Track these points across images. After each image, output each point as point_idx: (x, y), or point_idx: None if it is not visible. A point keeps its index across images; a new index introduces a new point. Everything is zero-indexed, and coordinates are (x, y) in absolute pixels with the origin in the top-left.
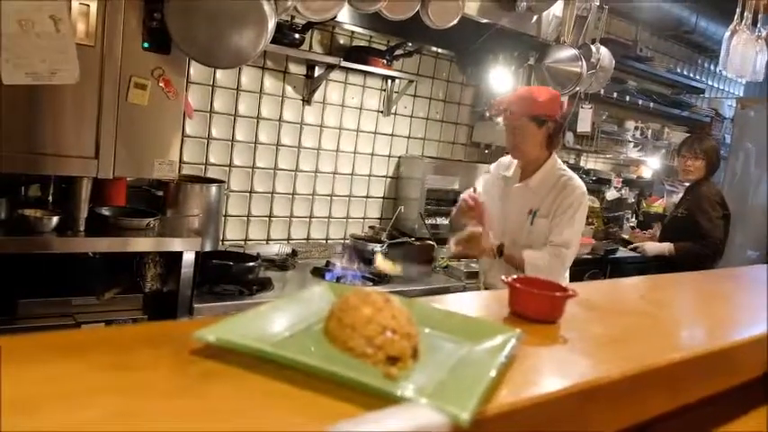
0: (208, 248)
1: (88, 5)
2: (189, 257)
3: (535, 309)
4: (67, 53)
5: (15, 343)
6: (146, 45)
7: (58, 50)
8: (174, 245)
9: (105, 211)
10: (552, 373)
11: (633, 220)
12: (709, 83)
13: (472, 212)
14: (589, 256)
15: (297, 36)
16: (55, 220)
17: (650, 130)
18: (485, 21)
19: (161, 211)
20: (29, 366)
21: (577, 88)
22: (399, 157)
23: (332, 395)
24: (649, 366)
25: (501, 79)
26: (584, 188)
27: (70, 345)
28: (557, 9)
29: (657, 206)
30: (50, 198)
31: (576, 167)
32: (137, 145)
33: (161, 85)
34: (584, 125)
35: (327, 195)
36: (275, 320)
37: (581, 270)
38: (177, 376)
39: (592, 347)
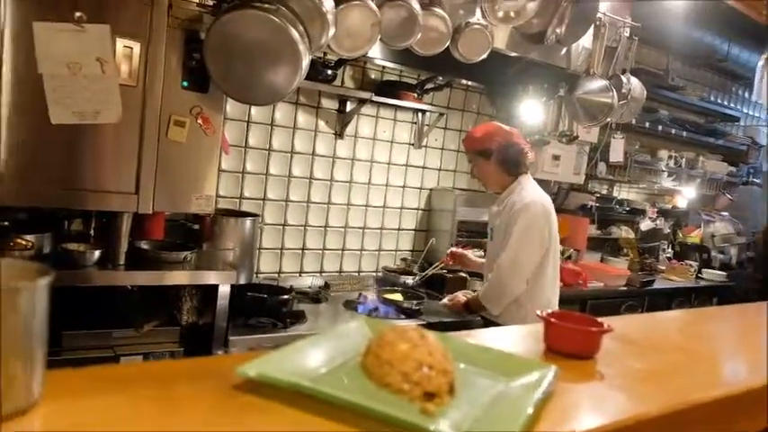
0: (242, 281)
1: (131, 48)
2: (224, 290)
3: (571, 344)
4: (112, 93)
5: (62, 376)
6: (185, 84)
7: (103, 91)
8: (210, 278)
9: (144, 245)
10: (590, 409)
11: (669, 250)
12: (744, 110)
13: (457, 260)
14: (625, 288)
15: (329, 72)
16: (97, 253)
17: (684, 159)
18: (514, 54)
19: (197, 245)
20: (75, 398)
21: (609, 119)
22: (431, 190)
23: (369, 430)
24: (690, 403)
25: (532, 111)
26: (532, 205)
27: (116, 378)
28: (586, 41)
29: (694, 236)
30: (92, 232)
31: (608, 198)
32: (175, 180)
33: (199, 122)
34: (616, 155)
35: (359, 228)
36: (313, 355)
37: (617, 302)
38: (218, 409)
39: (630, 383)
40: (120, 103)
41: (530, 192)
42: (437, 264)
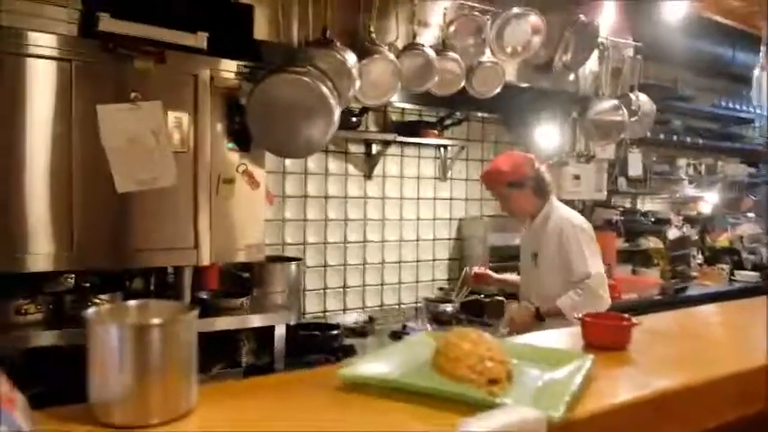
0: (293, 322)
1: (181, 118)
2: (280, 331)
3: (605, 338)
4: (166, 161)
5: (205, 390)
6: (230, 145)
7: (158, 159)
8: (267, 320)
9: (204, 295)
10: (624, 387)
11: (700, 256)
12: (758, 111)
13: (480, 280)
14: (659, 297)
15: (354, 119)
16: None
17: (703, 166)
18: (525, 85)
19: (248, 291)
20: (219, 405)
21: (622, 135)
22: (460, 219)
23: (447, 410)
24: (712, 378)
25: (548, 135)
26: (578, 220)
27: (243, 388)
28: (592, 64)
29: (723, 240)
30: (152, 288)
31: (633, 211)
32: (227, 233)
33: (245, 178)
34: (634, 169)
35: (396, 262)
36: (392, 361)
37: (653, 312)
38: (327, 404)
39: (659, 366)
40: (175, 167)
41: (569, 211)
42: (466, 288)
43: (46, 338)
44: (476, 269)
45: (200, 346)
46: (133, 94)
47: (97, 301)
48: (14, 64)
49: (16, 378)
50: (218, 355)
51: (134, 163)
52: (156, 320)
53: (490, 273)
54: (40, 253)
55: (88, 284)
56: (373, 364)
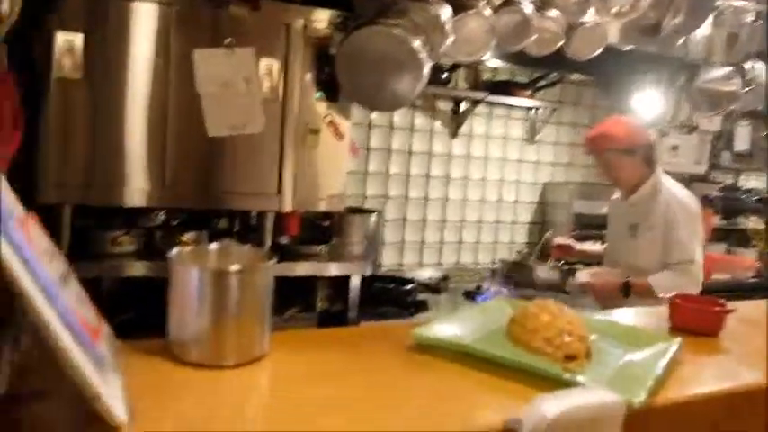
0: (368, 273)
1: (272, 65)
2: (356, 280)
3: (696, 322)
4: (256, 107)
5: (277, 337)
6: (317, 95)
7: (248, 105)
8: (344, 269)
9: (284, 240)
10: (714, 376)
11: None
12: None
13: (563, 252)
14: (755, 280)
15: (444, 75)
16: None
17: None
18: (628, 48)
19: (328, 240)
20: (291, 352)
21: (732, 107)
22: (545, 184)
23: (519, 382)
24: None
25: (649, 102)
26: (687, 197)
27: (317, 338)
28: (705, 28)
29: None
30: (235, 229)
31: (734, 187)
32: (310, 182)
33: (330, 129)
34: (741, 144)
35: (476, 222)
36: (466, 325)
37: (747, 296)
38: (398, 363)
39: (752, 357)
40: (263, 115)
41: (677, 186)
42: (550, 261)
43: (137, 269)
44: (558, 239)
45: (277, 289)
46: (227, 40)
47: (184, 238)
48: (121, 6)
49: (110, 304)
50: (294, 299)
51: (226, 108)
52: (234, 267)
53: (573, 244)
54: (136, 189)
55: (177, 221)
56: (447, 326)
